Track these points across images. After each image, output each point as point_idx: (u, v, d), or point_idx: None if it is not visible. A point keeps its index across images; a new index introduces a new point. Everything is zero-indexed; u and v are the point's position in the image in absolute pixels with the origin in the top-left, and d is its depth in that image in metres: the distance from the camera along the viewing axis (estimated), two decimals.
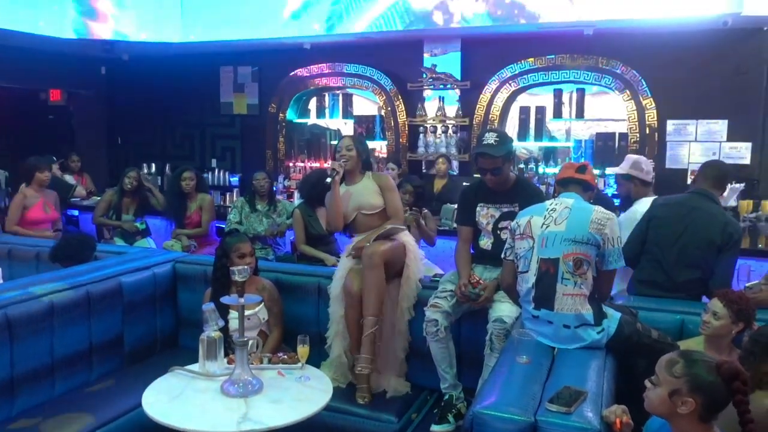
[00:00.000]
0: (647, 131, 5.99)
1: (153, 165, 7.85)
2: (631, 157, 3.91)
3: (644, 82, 5.93)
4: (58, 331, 2.97)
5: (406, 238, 3.40)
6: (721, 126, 5.82)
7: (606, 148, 6.23)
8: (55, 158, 6.16)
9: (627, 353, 2.56)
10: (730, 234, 3.13)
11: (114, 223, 5.64)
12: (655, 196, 3.57)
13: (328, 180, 3.37)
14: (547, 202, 2.74)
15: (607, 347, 2.50)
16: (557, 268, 2.53)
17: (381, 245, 3.20)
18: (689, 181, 5.83)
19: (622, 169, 3.80)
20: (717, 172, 3.35)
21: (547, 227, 2.60)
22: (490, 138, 3.05)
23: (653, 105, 5.94)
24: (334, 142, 7.56)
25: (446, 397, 3.10)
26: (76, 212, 6.78)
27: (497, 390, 2.12)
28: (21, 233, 5.03)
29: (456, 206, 4.21)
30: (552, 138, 6.76)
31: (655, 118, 5.95)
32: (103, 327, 3.24)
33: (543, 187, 6.10)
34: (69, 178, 6.85)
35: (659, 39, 5.82)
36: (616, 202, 5.79)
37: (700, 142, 5.89)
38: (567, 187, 2.76)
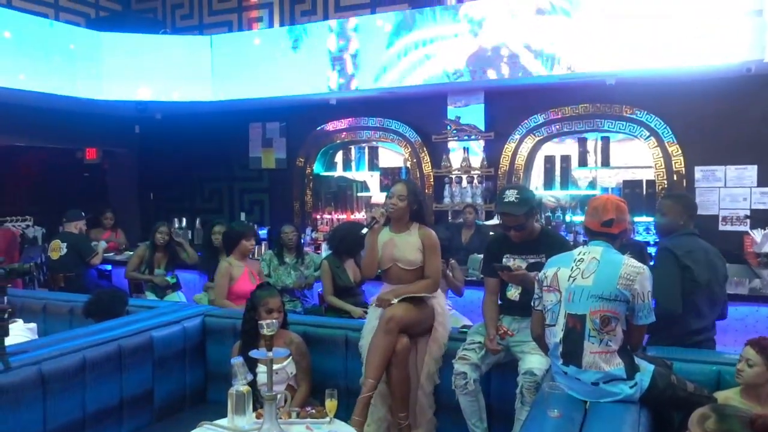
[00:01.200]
0: (675, 178, 5.95)
1: (183, 219, 8.01)
2: None
3: (669, 129, 5.92)
4: (90, 385, 3.00)
5: (436, 300, 3.35)
6: (750, 171, 5.76)
7: (634, 196, 6.19)
8: (83, 213, 6.27)
9: (662, 407, 2.49)
10: (726, 264, 3.37)
11: (146, 278, 5.74)
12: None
13: (364, 231, 3.30)
14: (575, 251, 2.67)
15: (641, 401, 2.43)
16: (584, 325, 2.46)
17: (405, 310, 3.13)
18: (720, 228, 5.78)
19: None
20: (694, 211, 3.46)
21: (573, 281, 2.53)
22: (511, 196, 3.05)
23: (680, 152, 5.92)
24: (361, 194, 7.68)
25: None
26: (109, 267, 6.92)
27: None
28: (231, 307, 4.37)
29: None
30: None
31: (683, 165, 5.92)
32: (133, 381, 3.26)
33: (571, 236, 6.06)
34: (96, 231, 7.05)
35: (682, 87, 5.84)
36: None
37: (729, 188, 5.83)
38: (595, 236, 2.66)
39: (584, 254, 2.60)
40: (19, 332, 3.37)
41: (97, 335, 3.20)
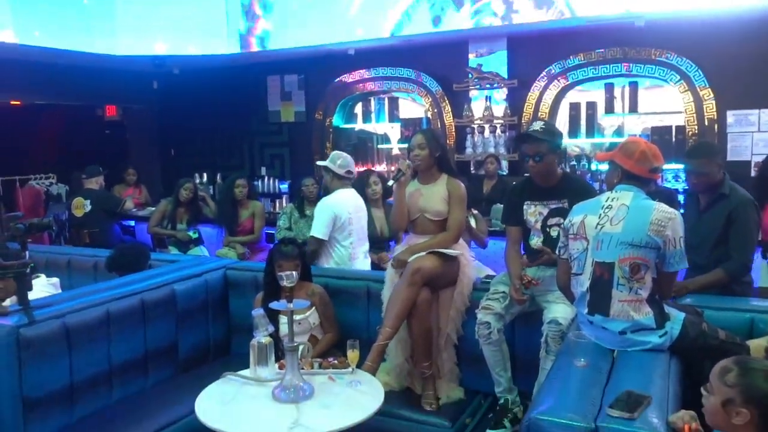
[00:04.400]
0: (706, 123, 5.74)
1: (204, 175, 8.00)
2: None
3: (701, 72, 5.69)
4: (114, 338, 3.03)
5: (462, 252, 3.28)
6: None
7: (663, 143, 5.98)
8: (101, 169, 6.27)
9: (693, 355, 2.42)
10: None
11: (168, 233, 5.77)
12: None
13: (390, 183, 3.27)
14: (603, 197, 2.55)
15: (671, 349, 2.36)
16: (612, 273, 2.37)
17: (432, 263, 3.08)
18: (753, 173, 5.59)
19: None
20: None
21: (602, 228, 2.43)
22: (537, 125, 2.99)
23: (711, 96, 5.69)
24: (381, 146, 7.57)
25: (501, 401, 3.02)
26: (132, 222, 6.97)
27: (554, 394, 2.03)
28: None
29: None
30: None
31: (714, 110, 5.70)
32: (157, 334, 3.29)
33: (596, 185, 5.93)
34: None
35: (715, 27, 5.57)
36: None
37: (763, 132, 5.61)
38: (629, 181, 2.49)
39: (613, 200, 2.48)
40: (42, 287, 3.39)
41: (119, 289, 3.21)
